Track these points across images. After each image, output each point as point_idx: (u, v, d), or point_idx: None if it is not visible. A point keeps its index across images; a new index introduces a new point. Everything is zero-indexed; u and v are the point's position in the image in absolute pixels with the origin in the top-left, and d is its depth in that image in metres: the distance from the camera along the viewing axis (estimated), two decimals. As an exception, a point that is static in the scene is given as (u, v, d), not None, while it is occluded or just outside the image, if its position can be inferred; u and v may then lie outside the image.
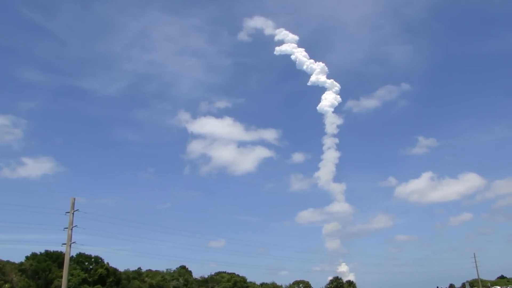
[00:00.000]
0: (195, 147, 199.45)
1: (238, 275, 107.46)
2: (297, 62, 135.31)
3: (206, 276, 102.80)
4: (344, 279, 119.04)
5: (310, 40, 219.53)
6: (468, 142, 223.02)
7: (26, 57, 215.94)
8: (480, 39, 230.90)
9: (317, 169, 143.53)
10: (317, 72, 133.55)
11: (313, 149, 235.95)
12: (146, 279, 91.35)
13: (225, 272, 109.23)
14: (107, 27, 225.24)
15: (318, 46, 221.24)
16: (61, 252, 73.07)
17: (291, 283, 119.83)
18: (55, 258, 74.86)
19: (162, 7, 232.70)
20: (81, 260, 77.02)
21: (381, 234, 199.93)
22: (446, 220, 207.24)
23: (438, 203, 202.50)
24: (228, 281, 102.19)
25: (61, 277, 47.30)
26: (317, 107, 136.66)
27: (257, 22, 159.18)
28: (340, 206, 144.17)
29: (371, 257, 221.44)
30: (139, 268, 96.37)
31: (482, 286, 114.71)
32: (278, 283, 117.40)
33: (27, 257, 75.51)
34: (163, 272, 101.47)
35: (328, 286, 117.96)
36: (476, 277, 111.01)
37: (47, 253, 76.32)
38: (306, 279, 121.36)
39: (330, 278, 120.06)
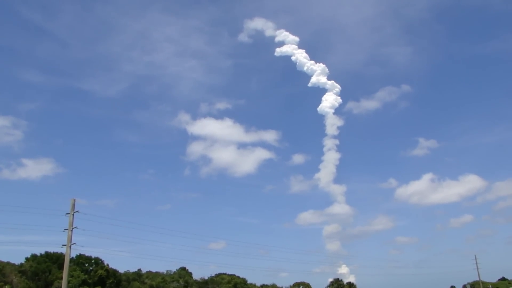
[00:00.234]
0: (195, 149, 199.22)
1: (238, 277, 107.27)
2: (297, 64, 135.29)
3: (206, 278, 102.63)
4: (345, 281, 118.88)
5: (310, 42, 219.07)
6: (469, 143, 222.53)
7: (26, 58, 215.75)
8: (481, 41, 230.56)
9: (318, 170, 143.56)
10: (318, 74, 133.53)
11: (314, 150, 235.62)
12: (146, 280, 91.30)
13: (225, 274, 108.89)
14: (107, 28, 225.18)
15: (319, 48, 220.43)
16: (61, 254, 73.19)
17: (291, 284, 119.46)
18: (55, 260, 74.92)
19: (163, 8, 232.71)
20: (81, 261, 77.03)
21: (381, 235, 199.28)
22: (447, 222, 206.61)
23: (439, 205, 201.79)
24: (229, 282, 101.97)
25: (61, 278, 47.27)
26: (318, 109, 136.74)
27: (258, 23, 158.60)
28: (340, 208, 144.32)
29: (372, 259, 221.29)
30: (139, 270, 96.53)
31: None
32: (279, 285, 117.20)
33: (27, 259, 75.57)
34: (163, 273, 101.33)
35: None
36: (477, 279, 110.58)
37: (47, 254, 76.41)
38: (306, 281, 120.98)
39: (331, 280, 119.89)
